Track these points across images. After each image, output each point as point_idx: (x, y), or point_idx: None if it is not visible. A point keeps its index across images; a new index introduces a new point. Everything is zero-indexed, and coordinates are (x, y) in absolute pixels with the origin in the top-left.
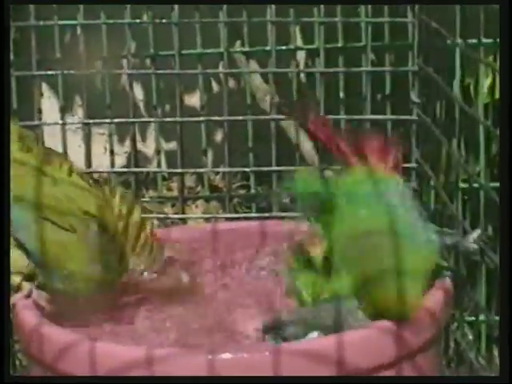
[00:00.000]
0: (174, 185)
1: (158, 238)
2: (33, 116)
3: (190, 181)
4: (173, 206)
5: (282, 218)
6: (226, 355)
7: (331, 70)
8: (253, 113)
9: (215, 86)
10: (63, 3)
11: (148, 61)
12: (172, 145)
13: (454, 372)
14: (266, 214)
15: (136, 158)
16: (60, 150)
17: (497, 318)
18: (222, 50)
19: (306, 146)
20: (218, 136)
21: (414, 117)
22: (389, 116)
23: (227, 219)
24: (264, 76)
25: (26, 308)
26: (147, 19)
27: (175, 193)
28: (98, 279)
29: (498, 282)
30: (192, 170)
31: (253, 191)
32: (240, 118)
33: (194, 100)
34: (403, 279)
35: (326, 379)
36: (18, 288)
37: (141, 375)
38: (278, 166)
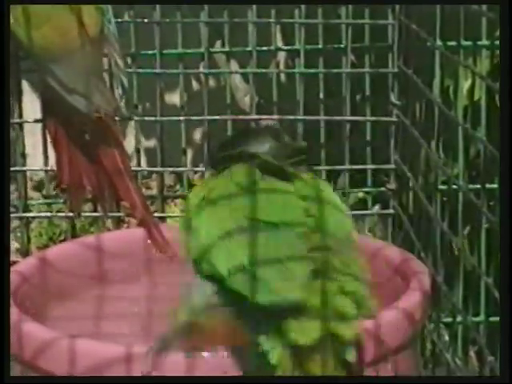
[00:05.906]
0: (154, 183)
1: None
2: (13, 113)
3: (169, 179)
4: (152, 204)
5: None
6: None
7: (311, 70)
8: (232, 112)
9: (195, 86)
10: (61, 3)
11: (129, 60)
12: (152, 143)
13: (431, 373)
14: None
15: None
16: (40, 148)
17: (474, 319)
18: (202, 50)
19: None
20: (198, 135)
21: (394, 118)
22: (368, 117)
23: None
24: (244, 76)
25: None
26: (128, 18)
27: (154, 191)
28: None
29: (500, 280)
30: (171, 169)
31: None
32: (219, 117)
33: (174, 99)
34: None
35: (301, 379)
36: None
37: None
38: None
